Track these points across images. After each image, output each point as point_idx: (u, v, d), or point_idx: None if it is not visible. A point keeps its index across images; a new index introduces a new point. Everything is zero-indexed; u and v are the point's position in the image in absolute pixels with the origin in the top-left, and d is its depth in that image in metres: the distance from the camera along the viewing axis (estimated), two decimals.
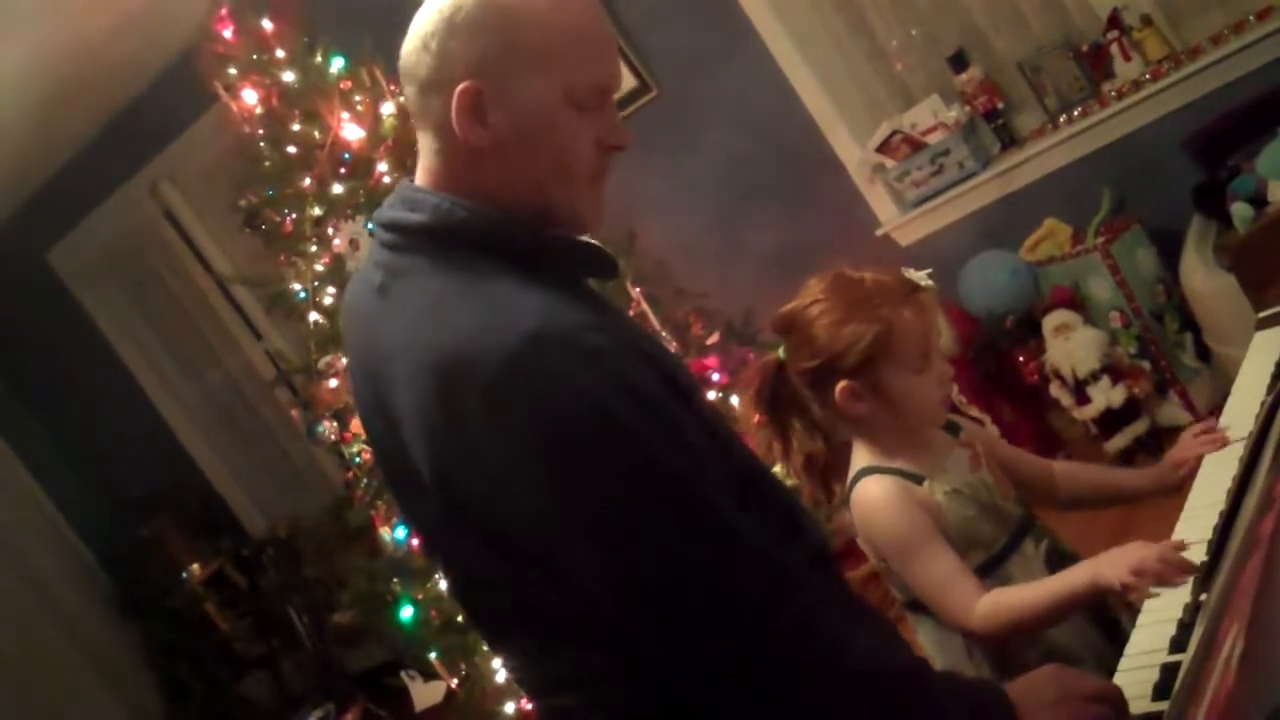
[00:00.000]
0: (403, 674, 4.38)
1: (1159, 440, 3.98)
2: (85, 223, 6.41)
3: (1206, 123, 3.74)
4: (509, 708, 3.93)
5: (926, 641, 1.92)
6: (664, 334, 4.30)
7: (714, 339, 4.52)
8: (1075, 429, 4.30)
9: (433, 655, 4.13)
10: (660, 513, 1.32)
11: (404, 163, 4.08)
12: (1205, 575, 1.54)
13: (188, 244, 6.30)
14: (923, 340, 1.81)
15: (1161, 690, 1.42)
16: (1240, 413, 1.98)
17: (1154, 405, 4.02)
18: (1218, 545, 1.58)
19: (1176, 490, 1.92)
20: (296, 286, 4.24)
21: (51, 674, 6.30)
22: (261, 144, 4.26)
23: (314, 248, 4.16)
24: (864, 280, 1.85)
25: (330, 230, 4.11)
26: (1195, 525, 1.75)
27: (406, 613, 4.10)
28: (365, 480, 4.22)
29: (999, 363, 4.31)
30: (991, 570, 1.81)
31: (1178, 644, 1.48)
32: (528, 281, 1.40)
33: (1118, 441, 4.02)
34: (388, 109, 4.17)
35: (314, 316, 4.21)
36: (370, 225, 1.60)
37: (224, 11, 4.34)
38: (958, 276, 4.33)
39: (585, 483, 1.32)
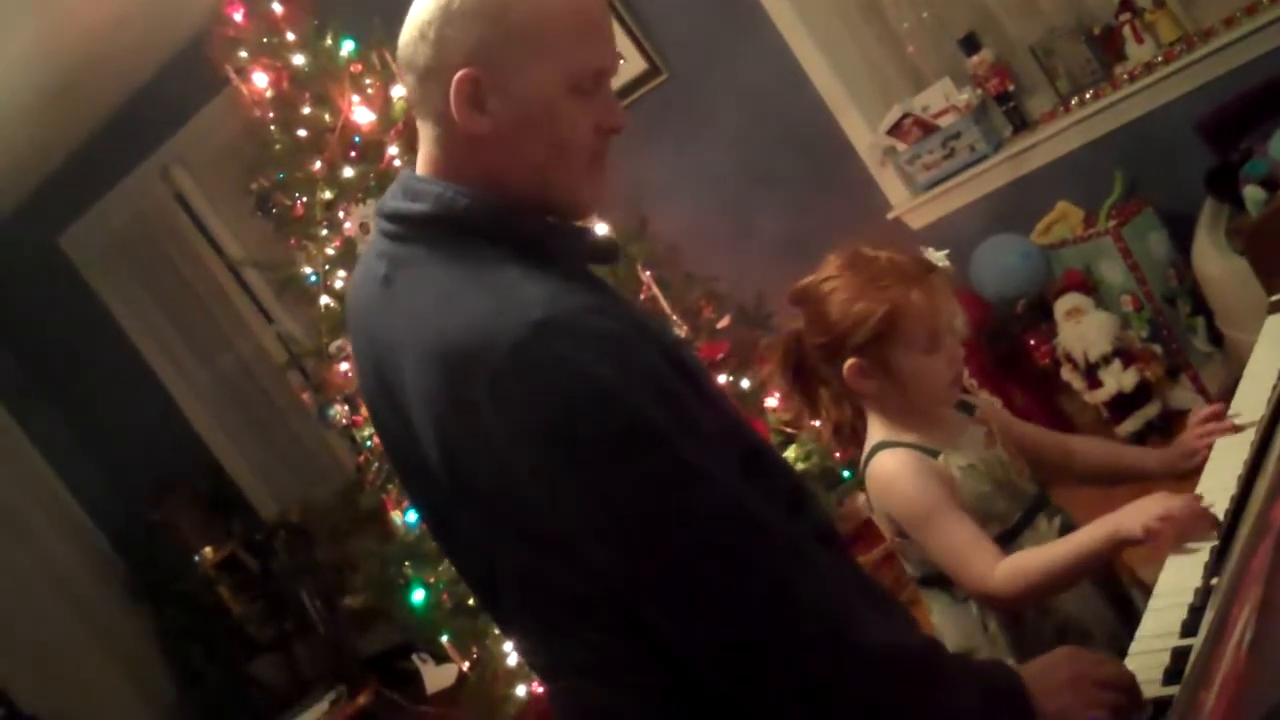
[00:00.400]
0: (414, 657, 4.39)
1: (1170, 424, 3.97)
2: (97, 207, 6.43)
3: (1219, 105, 3.73)
4: (520, 690, 3.95)
5: (940, 617, 1.93)
6: (675, 318, 4.30)
7: (725, 323, 4.51)
8: (1087, 412, 4.29)
9: (444, 638, 4.14)
10: (667, 494, 1.33)
11: (414, 146, 4.05)
12: (1216, 560, 1.54)
13: (199, 228, 6.31)
14: (931, 321, 1.81)
15: (1173, 674, 1.42)
16: (1252, 397, 1.98)
17: (1166, 389, 4.01)
18: (1228, 530, 1.58)
19: (1189, 473, 1.92)
20: (307, 270, 4.26)
21: (65, 657, 6.34)
22: (272, 128, 4.27)
23: (325, 231, 4.17)
24: (878, 259, 1.86)
25: (341, 214, 4.12)
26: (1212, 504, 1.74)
27: (418, 596, 4.12)
28: (376, 464, 4.24)
29: (1010, 346, 4.30)
30: (1005, 545, 1.82)
31: (1189, 628, 1.48)
32: (531, 268, 1.40)
33: (1129, 425, 4.01)
34: (398, 92, 4.17)
35: (325, 300, 4.22)
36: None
37: None
38: (969, 260, 4.32)
39: (594, 466, 1.32)
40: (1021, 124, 4.35)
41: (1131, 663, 1.50)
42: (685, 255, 4.85)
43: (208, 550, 6.45)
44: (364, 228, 4.03)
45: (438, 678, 4.30)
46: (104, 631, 6.64)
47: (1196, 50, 3.82)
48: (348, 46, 4.26)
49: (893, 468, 1.84)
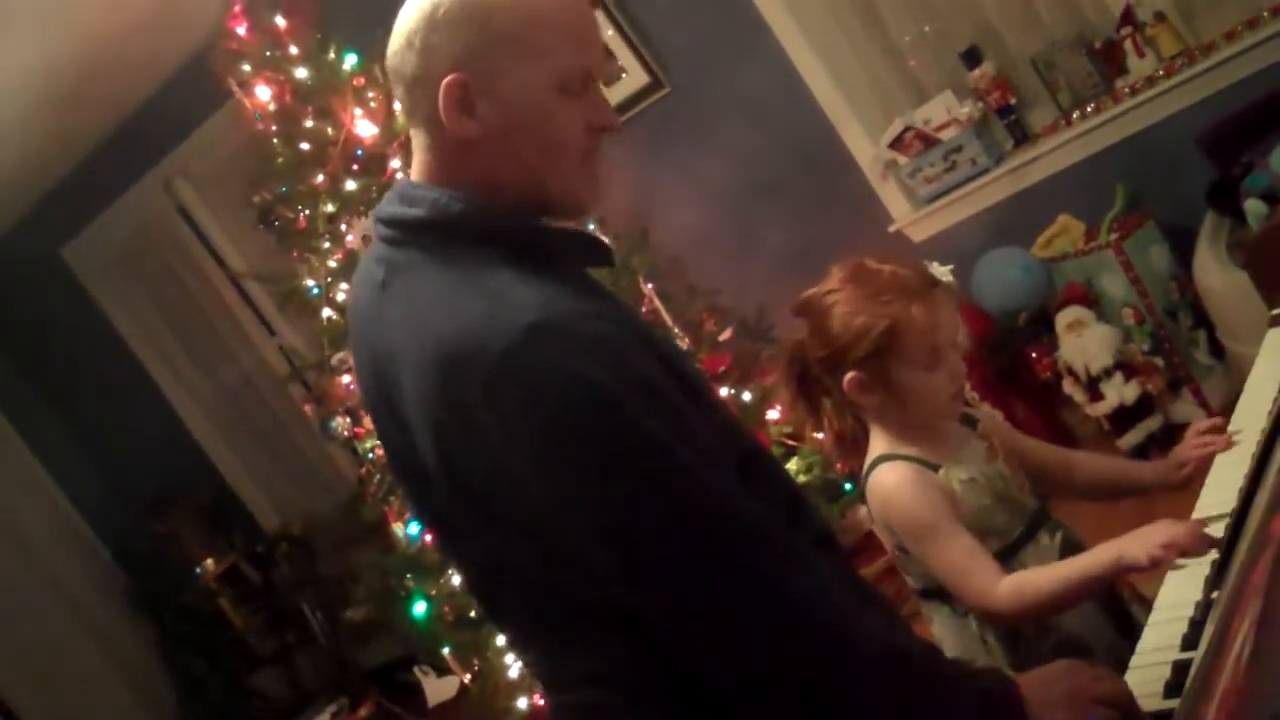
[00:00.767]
0: (416, 669, 4.39)
1: (1172, 437, 3.96)
2: (100, 219, 6.43)
3: (1220, 119, 3.73)
4: (521, 703, 3.94)
5: (941, 630, 1.92)
6: (677, 330, 4.31)
7: (726, 335, 4.52)
8: (1088, 425, 4.29)
9: (446, 651, 4.14)
10: (664, 499, 1.33)
11: None
12: (1217, 574, 1.54)
13: (201, 240, 6.31)
14: (932, 338, 1.81)
15: (1173, 688, 1.42)
16: (1253, 410, 1.98)
17: (1167, 402, 4.01)
18: (1229, 543, 1.58)
19: (1183, 487, 1.92)
20: (310, 283, 4.26)
21: (67, 669, 6.33)
22: (275, 140, 4.28)
23: (327, 244, 4.18)
24: (881, 272, 1.85)
25: (343, 227, 4.13)
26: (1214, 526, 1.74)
27: (420, 608, 4.12)
28: (378, 476, 4.24)
29: (1012, 359, 4.30)
30: (1006, 560, 1.82)
31: (1189, 641, 1.48)
32: (526, 272, 1.41)
33: (1130, 438, 4.01)
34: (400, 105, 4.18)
35: (327, 312, 4.22)
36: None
37: (238, 8, 4.35)
38: (970, 273, 4.32)
39: (588, 470, 1.33)
40: (1023, 137, 4.36)
41: (1132, 676, 1.50)
42: (687, 267, 4.85)
43: (209, 562, 6.44)
44: (366, 240, 4.04)
45: (439, 690, 4.30)
46: (105, 643, 6.63)
47: (1198, 64, 3.83)
48: (350, 60, 4.27)
49: (893, 481, 1.84)
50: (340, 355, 4.18)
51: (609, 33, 4.68)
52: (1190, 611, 1.53)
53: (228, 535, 6.60)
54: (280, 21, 4.33)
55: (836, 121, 4.57)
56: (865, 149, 4.57)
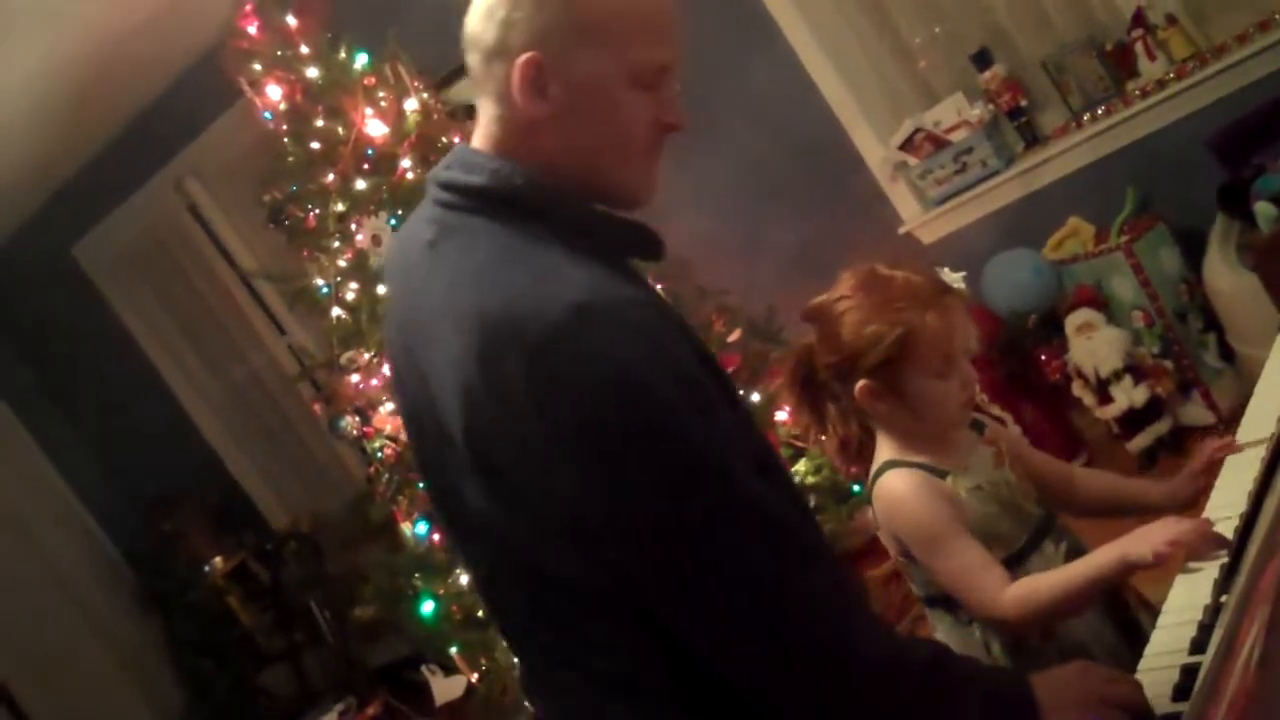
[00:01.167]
0: (423, 668, 4.40)
1: (1181, 440, 3.97)
2: (110, 217, 6.45)
3: (1231, 122, 3.73)
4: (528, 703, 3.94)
5: (945, 637, 1.91)
6: None
7: (735, 336, 4.51)
8: (1097, 428, 4.29)
9: (453, 650, 4.14)
10: (690, 490, 1.34)
11: (427, 158, 4.09)
12: (1225, 577, 1.54)
13: (212, 239, 6.33)
14: (945, 345, 1.80)
15: (1181, 691, 1.42)
16: (1263, 413, 1.97)
17: (1177, 405, 4.01)
18: (1238, 547, 1.57)
19: (1191, 505, 1.90)
20: (319, 282, 4.26)
21: (74, 666, 6.35)
22: (285, 140, 4.28)
23: (337, 243, 4.18)
24: (893, 279, 1.83)
25: (353, 226, 4.13)
26: (1221, 525, 1.74)
27: (427, 608, 4.12)
28: (387, 475, 4.24)
29: (1021, 362, 4.30)
30: (1012, 568, 1.81)
31: (1198, 645, 1.48)
32: (576, 253, 1.42)
33: (1140, 441, 4.00)
34: (411, 105, 4.19)
35: (336, 312, 4.23)
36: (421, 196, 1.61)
37: (249, 7, 4.35)
38: (980, 275, 4.32)
39: (618, 455, 1.33)
40: (1033, 139, 4.36)
41: (1140, 679, 1.50)
42: (696, 268, 4.84)
43: (218, 560, 6.45)
44: (376, 240, 4.04)
45: (446, 689, 4.30)
46: (113, 641, 6.65)
47: (1209, 67, 3.83)
48: (361, 59, 4.27)
49: (900, 488, 1.83)
50: (349, 354, 4.18)
51: None
52: (1199, 615, 1.53)
53: (236, 534, 6.62)
54: (291, 21, 4.33)
55: (846, 123, 4.57)
56: (875, 150, 4.57)
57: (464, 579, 3.97)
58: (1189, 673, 1.43)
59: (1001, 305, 4.29)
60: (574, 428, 1.33)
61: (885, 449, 1.91)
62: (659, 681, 1.44)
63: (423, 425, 1.53)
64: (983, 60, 4.31)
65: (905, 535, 1.83)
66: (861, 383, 1.83)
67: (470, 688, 4.21)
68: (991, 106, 4.34)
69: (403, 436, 4.09)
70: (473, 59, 1.52)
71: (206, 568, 6.43)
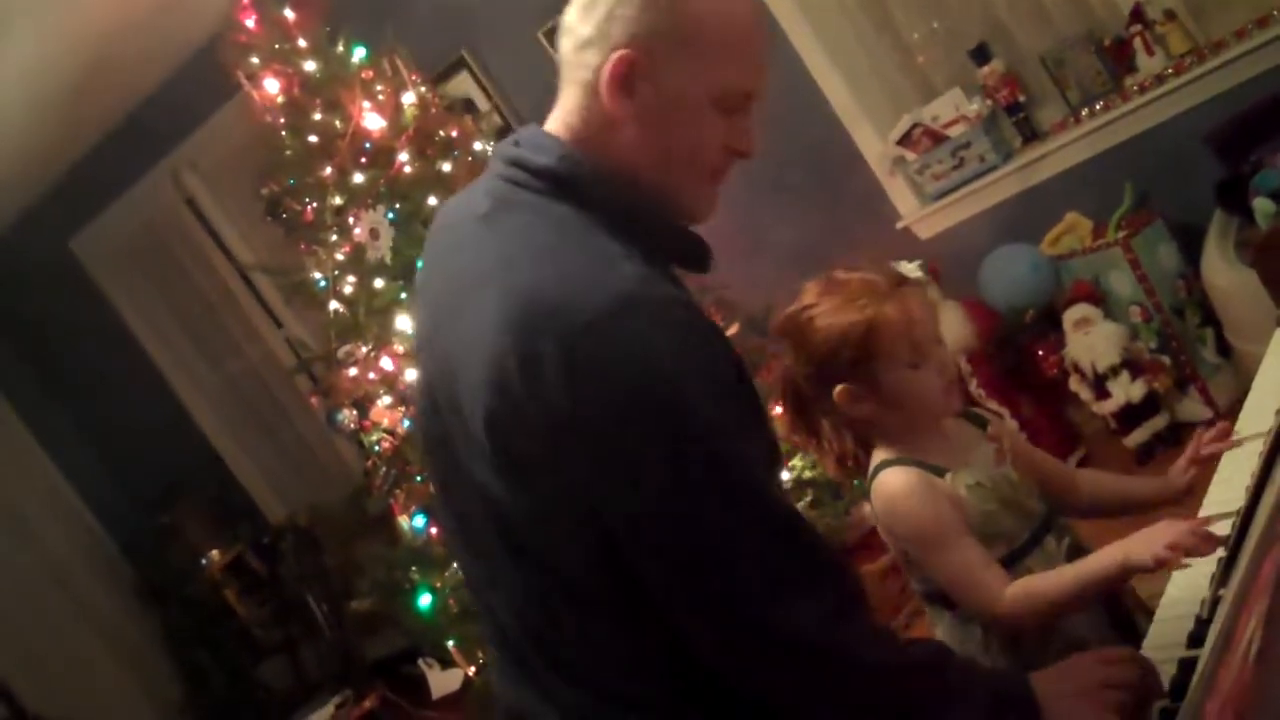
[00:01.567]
0: (420, 662, 4.40)
1: (1178, 436, 3.97)
2: (108, 210, 6.45)
3: (1229, 117, 3.73)
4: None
5: (944, 636, 1.91)
6: None
7: (734, 331, 4.51)
8: (1094, 424, 4.29)
9: (450, 643, 4.15)
10: (713, 488, 1.35)
11: (424, 152, 4.09)
12: (1224, 571, 1.54)
13: (209, 232, 6.33)
14: (909, 333, 1.79)
15: (1179, 685, 1.42)
16: (1260, 408, 1.97)
17: (1174, 401, 4.01)
18: (1236, 541, 1.57)
19: (1185, 496, 1.90)
20: (317, 275, 4.26)
21: (71, 659, 6.35)
22: (283, 133, 4.27)
23: (334, 237, 4.18)
24: (850, 280, 1.84)
25: (351, 219, 4.13)
26: (1219, 524, 1.74)
27: (424, 601, 4.12)
28: (384, 469, 4.24)
29: (1019, 357, 4.30)
30: (1011, 566, 1.80)
31: (1195, 639, 1.48)
32: (632, 249, 1.43)
33: (1137, 436, 4.01)
34: (409, 99, 4.18)
35: (334, 305, 4.22)
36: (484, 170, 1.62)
37: (246, 1, 4.35)
38: (978, 270, 4.32)
39: (646, 448, 1.34)
40: (1031, 135, 4.35)
41: (1140, 654, 1.50)
42: None
43: (215, 554, 6.46)
44: (373, 233, 4.04)
45: (443, 682, 4.31)
46: (111, 634, 6.65)
47: (1207, 62, 3.82)
48: (359, 53, 4.27)
49: (897, 486, 1.82)
50: (347, 348, 4.18)
51: None
52: (1196, 608, 1.53)
53: (233, 527, 6.62)
54: (289, 14, 4.32)
55: (845, 117, 4.56)
56: (874, 145, 4.57)
57: (461, 573, 3.96)
58: (1187, 666, 1.43)
59: (999, 300, 4.29)
60: (602, 413, 1.33)
61: (881, 449, 1.91)
62: (652, 683, 1.46)
63: (435, 392, 1.55)
64: (981, 55, 4.31)
65: (902, 534, 1.83)
66: (840, 387, 1.83)
67: (467, 681, 4.21)
68: (990, 102, 4.34)
69: (400, 430, 4.09)
70: (566, 44, 1.53)
71: (204, 561, 6.44)
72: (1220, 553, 1.59)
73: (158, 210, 6.39)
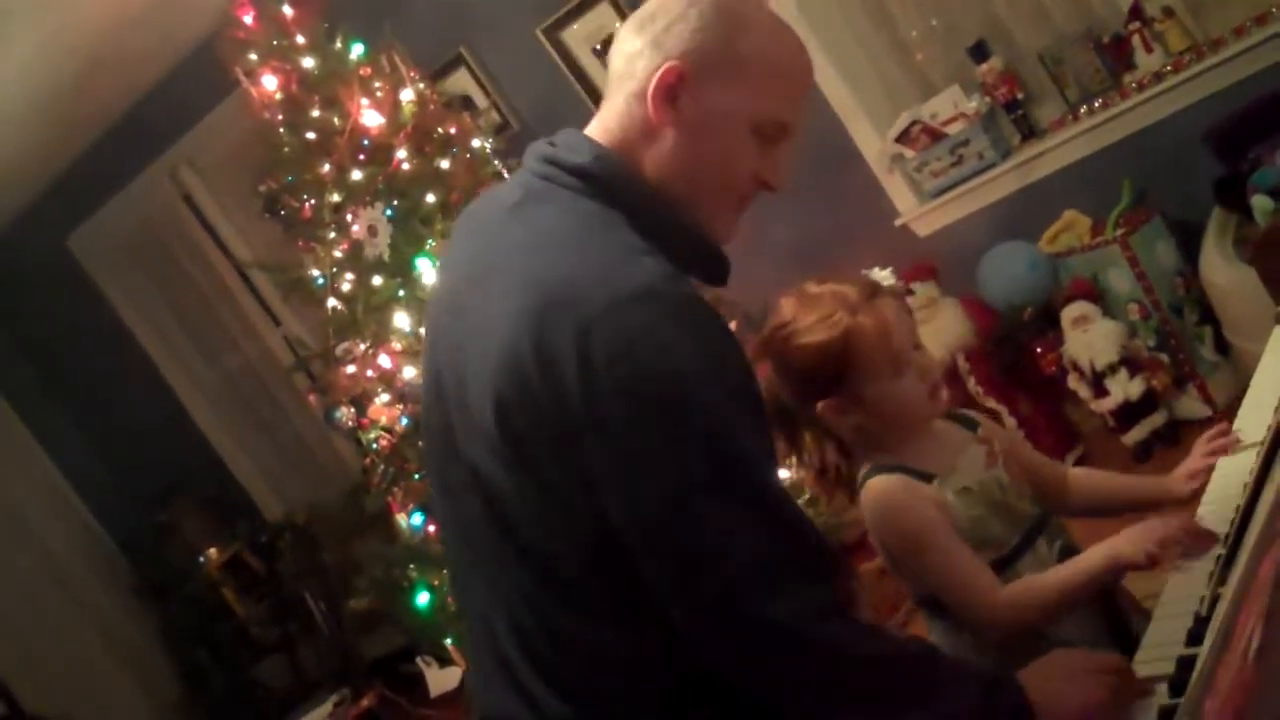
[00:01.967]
0: (418, 660, 4.40)
1: (1176, 433, 3.97)
2: (105, 208, 6.44)
3: (1228, 115, 3.73)
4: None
5: (936, 639, 1.90)
6: None
7: (732, 328, 4.51)
8: (1093, 421, 4.29)
9: (448, 641, 4.14)
10: (716, 480, 1.36)
11: (422, 149, 4.09)
12: (1222, 569, 1.54)
13: (207, 229, 6.32)
14: (886, 342, 1.79)
15: (1178, 683, 1.42)
16: (1258, 406, 1.97)
17: (1172, 398, 4.01)
18: (1235, 539, 1.57)
19: (1189, 500, 1.90)
20: (315, 272, 4.25)
21: (69, 657, 6.35)
22: (281, 130, 4.26)
23: (332, 234, 4.16)
24: (822, 295, 1.85)
25: (349, 216, 4.11)
26: (1212, 520, 1.74)
27: (422, 599, 4.12)
28: (382, 466, 4.23)
29: (1017, 354, 4.30)
30: (1003, 570, 1.79)
31: (1194, 637, 1.48)
32: (657, 252, 1.45)
33: (1135, 434, 4.01)
34: (407, 95, 4.17)
35: (332, 302, 4.21)
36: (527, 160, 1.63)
37: None
38: (976, 267, 4.32)
39: (656, 437, 1.35)
40: (1030, 132, 4.35)
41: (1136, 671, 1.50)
42: None
43: (213, 552, 6.45)
44: (371, 230, 4.03)
45: (441, 681, 4.30)
46: (109, 632, 6.65)
47: (1206, 60, 3.82)
48: (357, 50, 4.25)
49: (886, 495, 1.81)
50: (345, 345, 4.17)
51: (615, 24, 4.67)
52: (1195, 607, 1.53)
53: (231, 525, 6.61)
54: (287, 10, 4.31)
55: (843, 115, 4.56)
56: (872, 143, 4.56)
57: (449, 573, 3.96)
58: (1186, 664, 1.43)
59: (997, 298, 4.29)
60: (613, 400, 1.34)
61: (869, 458, 1.90)
62: (643, 691, 1.47)
63: (443, 388, 1.56)
64: (980, 53, 4.31)
65: (892, 543, 1.82)
66: (823, 402, 1.83)
67: (465, 679, 4.21)
68: (988, 99, 4.34)
69: (398, 428, 4.08)
70: (617, 59, 1.56)
71: (202, 559, 6.43)
72: (1218, 552, 1.58)
73: (155, 208, 6.38)
